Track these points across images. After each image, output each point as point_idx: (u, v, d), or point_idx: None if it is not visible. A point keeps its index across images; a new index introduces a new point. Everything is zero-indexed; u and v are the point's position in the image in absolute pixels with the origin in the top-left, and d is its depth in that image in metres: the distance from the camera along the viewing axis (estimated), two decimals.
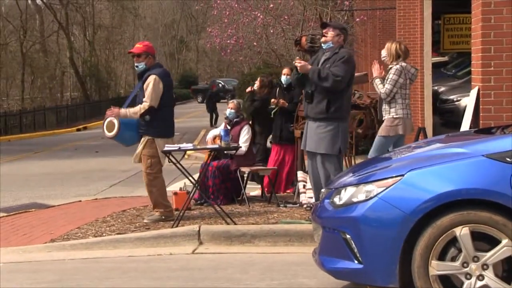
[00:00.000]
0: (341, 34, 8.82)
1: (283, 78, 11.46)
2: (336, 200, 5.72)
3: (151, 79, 9.32)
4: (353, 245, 5.51)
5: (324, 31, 8.79)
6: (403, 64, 9.76)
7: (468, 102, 8.49)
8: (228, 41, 23.71)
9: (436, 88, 19.36)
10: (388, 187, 5.43)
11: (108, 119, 9.38)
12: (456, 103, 19.10)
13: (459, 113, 15.03)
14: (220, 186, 10.58)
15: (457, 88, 20.02)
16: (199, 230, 8.63)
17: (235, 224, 8.97)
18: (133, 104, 9.54)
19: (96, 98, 52.95)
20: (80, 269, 7.62)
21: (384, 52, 9.96)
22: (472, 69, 8.48)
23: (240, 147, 10.38)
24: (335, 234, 5.65)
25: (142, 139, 9.46)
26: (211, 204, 9.73)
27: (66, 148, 25.79)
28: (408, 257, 5.36)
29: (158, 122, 9.39)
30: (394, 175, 5.48)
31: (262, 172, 10.99)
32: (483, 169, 5.31)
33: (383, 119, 9.75)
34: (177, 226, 8.91)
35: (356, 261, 5.51)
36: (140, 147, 9.46)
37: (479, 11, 7.89)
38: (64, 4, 49.66)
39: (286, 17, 21.52)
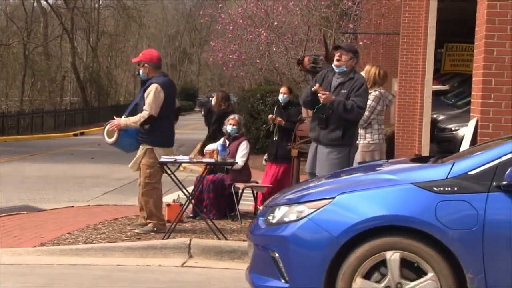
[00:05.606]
0: (354, 58, 8.50)
1: (281, 97, 11.53)
2: (270, 218, 5.79)
3: (152, 88, 9.28)
4: (281, 264, 5.56)
5: (337, 54, 8.44)
6: (382, 90, 9.73)
7: (466, 132, 8.50)
8: (231, 56, 23.77)
9: (435, 116, 19.39)
10: (318, 208, 5.52)
11: (108, 125, 9.45)
12: (454, 132, 19.11)
13: (457, 143, 15.07)
14: (214, 201, 10.58)
15: (456, 117, 20.03)
16: (189, 244, 8.62)
17: (227, 239, 8.96)
18: (134, 111, 9.54)
19: (95, 104, 52.93)
20: (69, 275, 7.60)
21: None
22: (472, 100, 8.50)
23: (236, 162, 10.38)
24: (265, 252, 5.70)
25: (141, 147, 9.45)
26: (203, 218, 9.73)
27: (62, 153, 25.76)
28: (333, 278, 5.41)
29: (159, 131, 9.33)
30: (325, 197, 5.57)
31: (256, 189, 10.99)
32: (410, 197, 5.41)
33: (357, 143, 9.64)
34: (168, 238, 8.90)
35: (283, 280, 5.56)
36: (139, 155, 9.46)
37: (482, 43, 7.91)
38: (70, 9, 49.78)
39: (289, 35, 21.59)
